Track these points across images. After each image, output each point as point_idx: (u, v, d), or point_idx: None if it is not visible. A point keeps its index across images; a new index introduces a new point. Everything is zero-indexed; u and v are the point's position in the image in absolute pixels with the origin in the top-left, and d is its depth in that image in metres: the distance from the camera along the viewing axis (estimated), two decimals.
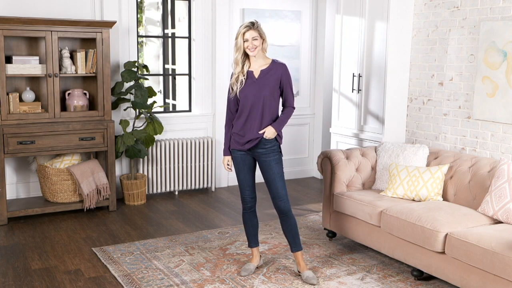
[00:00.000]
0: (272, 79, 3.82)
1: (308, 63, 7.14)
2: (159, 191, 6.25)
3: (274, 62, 3.87)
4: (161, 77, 8.94)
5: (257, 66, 3.85)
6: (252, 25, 3.76)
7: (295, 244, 3.98)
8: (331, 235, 4.81)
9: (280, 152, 3.93)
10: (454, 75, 4.96)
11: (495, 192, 3.89)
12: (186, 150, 6.29)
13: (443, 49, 5.04)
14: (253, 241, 4.12)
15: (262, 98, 3.81)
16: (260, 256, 4.20)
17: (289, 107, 3.92)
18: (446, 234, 3.70)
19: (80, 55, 5.41)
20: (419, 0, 5.25)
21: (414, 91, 5.38)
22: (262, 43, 3.79)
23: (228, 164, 4.00)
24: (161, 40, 8.96)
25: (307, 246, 4.66)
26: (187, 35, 6.53)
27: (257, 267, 4.15)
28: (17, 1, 5.38)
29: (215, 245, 4.66)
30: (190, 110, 6.60)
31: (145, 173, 6.13)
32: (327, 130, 7.14)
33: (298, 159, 7.25)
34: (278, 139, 3.90)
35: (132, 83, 5.90)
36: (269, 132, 3.82)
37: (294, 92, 7.01)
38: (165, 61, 8.75)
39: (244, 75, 3.84)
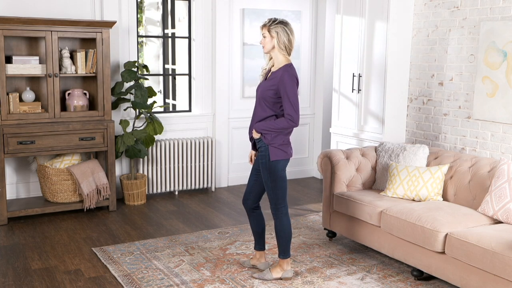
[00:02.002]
0: (271, 84, 3.75)
1: (308, 63, 7.14)
2: (159, 191, 6.25)
3: (283, 67, 3.75)
4: (161, 77, 8.94)
5: (274, 66, 3.82)
6: (266, 23, 3.75)
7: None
8: (331, 235, 4.81)
9: (268, 156, 3.74)
10: (454, 75, 4.96)
11: (495, 192, 3.89)
12: (186, 150, 6.29)
13: (443, 49, 5.04)
14: (255, 243, 4.15)
15: (260, 100, 3.81)
16: (258, 259, 4.15)
17: (285, 116, 3.71)
18: (446, 234, 3.70)
19: (80, 55, 5.41)
20: (419, 0, 5.25)
21: (414, 91, 5.38)
22: (277, 43, 3.72)
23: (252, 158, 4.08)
24: (161, 40, 8.96)
25: (307, 246, 4.66)
26: (187, 35, 6.53)
27: (255, 267, 4.15)
28: (17, 1, 5.38)
29: (215, 245, 4.66)
30: (190, 110, 6.60)
31: (145, 173, 6.13)
32: (327, 130, 7.14)
33: (298, 159, 7.25)
34: (263, 139, 3.77)
35: (132, 83, 5.90)
36: (254, 131, 3.84)
37: None
38: (165, 61, 8.76)
39: (267, 72, 3.87)
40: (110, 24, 5.38)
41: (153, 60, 9.31)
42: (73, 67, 5.40)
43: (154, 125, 5.80)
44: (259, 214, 4.08)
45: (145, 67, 5.80)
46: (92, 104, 5.67)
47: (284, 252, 3.93)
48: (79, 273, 4.04)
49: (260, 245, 4.11)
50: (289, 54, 3.77)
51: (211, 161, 6.45)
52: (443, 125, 5.09)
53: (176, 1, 8.01)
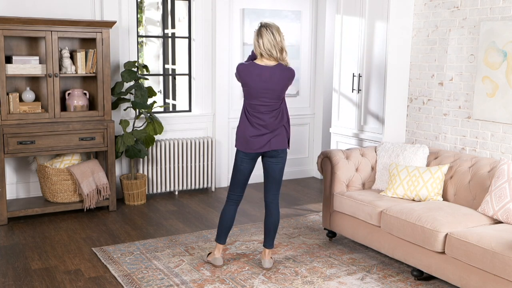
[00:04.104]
0: None
1: (308, 63, 7.14)
2: (159, 191, 6.25)
3: None
4: (161, 77, 8.94)
5: None
6: None
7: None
8: (331, 235, 4.81)
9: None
10: (454, 75, 4.96)
11: (495, 192, 3.89)
12: (186, 150, 6.29)
13: (443, 49, 5.04)
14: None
15: None
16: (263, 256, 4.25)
17: None
18: (446, 234, 3.70)
19: (80, 55, 5.41)
20: (419, 0, 5.25)
21: (414, 91, 5.38)
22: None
23: None
24: (161, 40, 8.96)
25: (307, 246, 4.66)
26: (187, 35, 6.53)
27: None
28: (17, 1, 5.38)
29: (215, 245, 4.65)
30: (190, 110, 6.60)
31: (145, 173, 6.13)
32: (327, 130, 7.14)
33: (298, 159, 7.25)
34: None
35: (132, 83, 5.90)
36: None
37: (294, 92, 7.05)
38: (165, 61, 8.76)
39: None
40: (110, 24, 5.38)
41: (153, 60, 9.31)
42: (73, 67, 5.40)
43: (154, 125, 5.80)
44: (267, 209, 4.17)
45: (145, 67, 5.80)
46: (92, 104, 5.67)
47: (216, 235, 4.19)
48: (79, 273, 4.04)
49: (264, 241, 4.19)
50: (261, 55, 3.91)
51: (211, 161, 6.45)
52: (443, 125, 5.09)
53: (176, 1, 8.02)
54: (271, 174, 4.08)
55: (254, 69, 3.89)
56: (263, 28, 3.87)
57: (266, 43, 3.84)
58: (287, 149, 4.09)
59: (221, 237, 4.17)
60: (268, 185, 4.12)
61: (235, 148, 4.31)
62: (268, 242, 4.16)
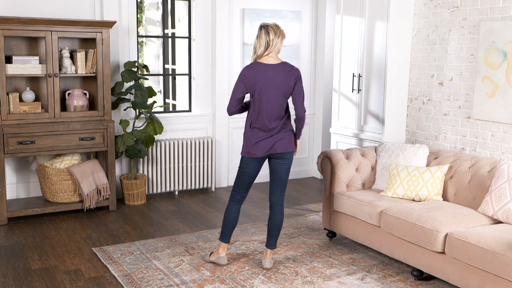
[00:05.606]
0: None
1: (308, 63, 7.14)
2: (159, 191, 6.25)
3: None
4: (161, 77, 8.94)
5: None
6: None
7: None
8: (331, 235, 4.81)
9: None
10: (454, 75, 4.96)
11: (495, 192, 3.89)
12: (186, 150, 6.30)
13: (443, 49, 5.04)
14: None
15: None
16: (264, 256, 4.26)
17: None
18: (446, 234, 3.70)
19: (80, 55, 5.41)
20: (419, 0, 5.25)
21: (414, 91, 5.38)
22: None
23: None
24: (161, 40, 8.97)
25: (307, 246, 4.67)
26: (187, 35, 6.53)
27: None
28: (17, 1, 5.38)
29: (215, 245, 4.66)
30: (190, 110, 6.60)
31: (145, 173, 6.13)
32: (327, 130, 7.15)
33: (298, 159, 7.25)
34: None
35: (132, 83, 5.90)
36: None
37: None
38: (165, 61, 8.77)
39: None
40: (110, 24, 5.38)
41: (153, 60, 9.31)
42: (73, 67, 5.40)
43: (154, 125, 5.80)
44: (272, 209, 4.17)
45: (145, 67, 5.80)
46: (92, 104, 5.67)
47: (221, 234, 4.18)
48: (79, 273, 4.04)
49: (267, 242, 4.20)
50: (257, 55, 3.94)
51: (211, 161, 6.45)
52: (443, 125, 5.09)
53: (176, 1, 8.02)
54: (277, 174, 4.08)
55: (259, 67, 3.90)
56: (262, 29, 3.93)
57: (262, 43, 3.92)
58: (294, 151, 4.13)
59: (226, 236, 4.17)
60: (274, 186, 4.12)
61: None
62: (271, 242, 4.16)
